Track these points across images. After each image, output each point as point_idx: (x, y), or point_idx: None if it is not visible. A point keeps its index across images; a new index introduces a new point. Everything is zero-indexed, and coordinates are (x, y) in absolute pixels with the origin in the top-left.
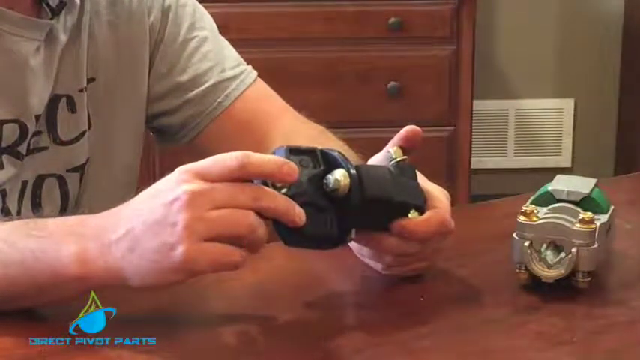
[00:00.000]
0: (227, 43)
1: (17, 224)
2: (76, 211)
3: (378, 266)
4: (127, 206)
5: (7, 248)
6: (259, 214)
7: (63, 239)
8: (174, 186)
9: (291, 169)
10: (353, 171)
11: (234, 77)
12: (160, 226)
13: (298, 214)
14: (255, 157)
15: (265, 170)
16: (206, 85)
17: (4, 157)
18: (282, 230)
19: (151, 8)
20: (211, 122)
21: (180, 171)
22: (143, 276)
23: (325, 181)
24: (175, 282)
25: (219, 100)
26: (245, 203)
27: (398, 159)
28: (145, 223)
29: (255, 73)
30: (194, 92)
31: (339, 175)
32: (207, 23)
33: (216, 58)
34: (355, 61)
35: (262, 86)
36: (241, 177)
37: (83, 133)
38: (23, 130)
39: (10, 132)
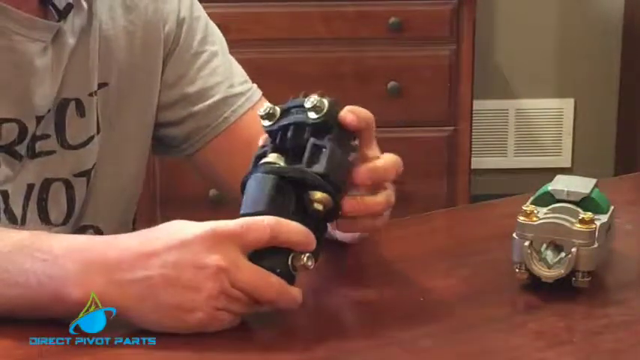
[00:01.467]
0: (234, 59)
1: (21, 242)
2: (82, 215)
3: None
4: (141, 243)
5: (11, 268)
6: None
7: (68, 266)
8: (207, 250)
9: (313, 240)
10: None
11: (241, 94)
12: (183, 288)
13: (295, 299)
14: (286, 227)
15: (293, 240)
16: (213, 99)
17: (0, 156)
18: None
19: (167, 18)
20: (215, 137)
21: (216, 232)
22: (151, 323)
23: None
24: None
25: (225, 115)
26: (264, 300)
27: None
28: (166, 279)
29: (260, 92)
30: (200, 105)
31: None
32: (217, 38)
33: (225, 73)
34: (355, 61)
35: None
36: (271, 243)
37: (91, 138)
38: (22, 130)
39: (9, 131)
